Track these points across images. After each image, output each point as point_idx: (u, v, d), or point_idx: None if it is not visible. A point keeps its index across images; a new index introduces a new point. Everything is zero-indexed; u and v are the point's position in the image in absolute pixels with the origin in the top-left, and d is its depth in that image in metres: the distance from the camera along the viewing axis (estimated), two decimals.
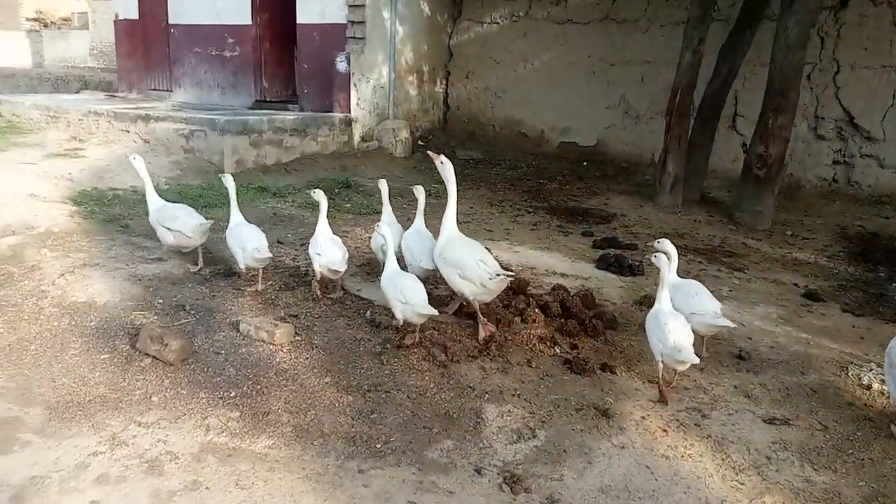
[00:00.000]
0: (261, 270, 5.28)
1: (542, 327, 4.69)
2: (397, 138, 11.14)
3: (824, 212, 9.05)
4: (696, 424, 3.75)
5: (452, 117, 12.91)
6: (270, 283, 5.37)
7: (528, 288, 5.26)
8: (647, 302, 5.30)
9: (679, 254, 6.83)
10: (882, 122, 9.32)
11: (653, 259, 4.31)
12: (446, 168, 4.83)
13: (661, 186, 8.89)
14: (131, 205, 7.42)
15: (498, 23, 12.09)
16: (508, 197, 9.24)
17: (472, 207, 8.52)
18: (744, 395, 4.11)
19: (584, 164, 11.29)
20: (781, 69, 7.56)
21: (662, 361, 3.91)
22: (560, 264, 6.23)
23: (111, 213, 6.99)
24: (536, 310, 4.78)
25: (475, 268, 4.42)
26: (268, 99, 12.31)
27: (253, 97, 12.26)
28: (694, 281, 4.74)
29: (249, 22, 11.96)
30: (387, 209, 5.57)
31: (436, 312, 4.29)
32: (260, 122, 9.35)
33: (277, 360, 4.18)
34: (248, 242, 5.10)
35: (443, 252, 4.69)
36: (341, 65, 10.68)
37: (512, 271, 5.13)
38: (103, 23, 22.91)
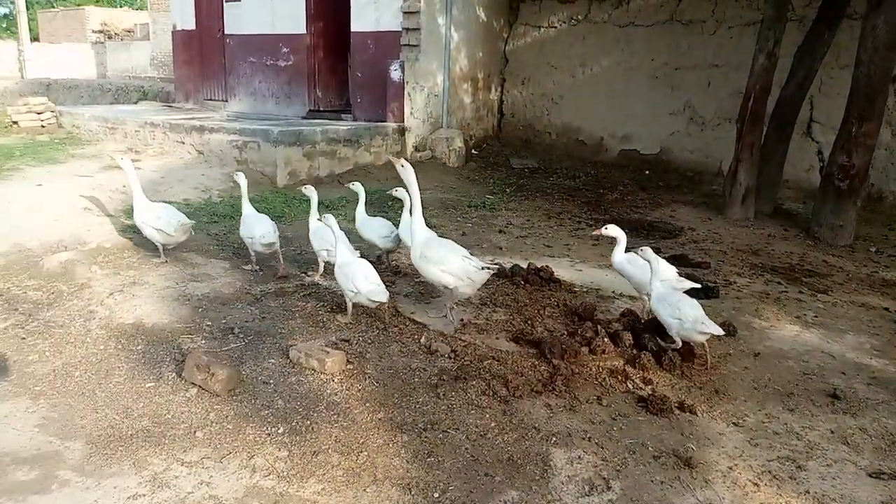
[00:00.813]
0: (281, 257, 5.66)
1: (613, 359, 4.32)
2: (451, 148, 10.87)
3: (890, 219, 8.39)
4: (790, 477, 3.32)
5: (507, 125, 12.58)
6: (321, 304, 5.15)
7: (595, 313, 4.89)
8: (728, 331, 4.87)
9: (755, 273, 6.47)
10: None
11: (639, 253, 4.62)
12: (407, 172, 4.94)
13: (732, 198, 8.37)
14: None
15: (556, 27, 11.72)
16: (567, 209, 8.85)
17: (528, 220, 8.18)
18: (842, 441, 3.66)
19: (647, 172, 10.80)
20: (868, 72, 6.99)
21: (680, 336, 4.23)
22: (626, 284, 5.81)
23: None
24: (606, 339, 4.41)
25: (461, 262, 4.55)
26: (321, 108, 12.21)
27: (306, 107, 12.18)
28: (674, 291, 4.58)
29: (303, 31, 11.88)
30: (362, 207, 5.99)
31: (386, 297, 4.59)
32: (313, 132, 9.21)
33: (328, 391, 3.92)
34: (255, 230, 5.60)
35: (423, 253, 4.71)
36: (395, 73, 10.48)
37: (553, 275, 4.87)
38: (164, 33, 23.40)
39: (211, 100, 13.76)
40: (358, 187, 6.08)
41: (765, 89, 7.99)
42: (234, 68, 13.12)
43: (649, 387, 4.12)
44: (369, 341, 4.57)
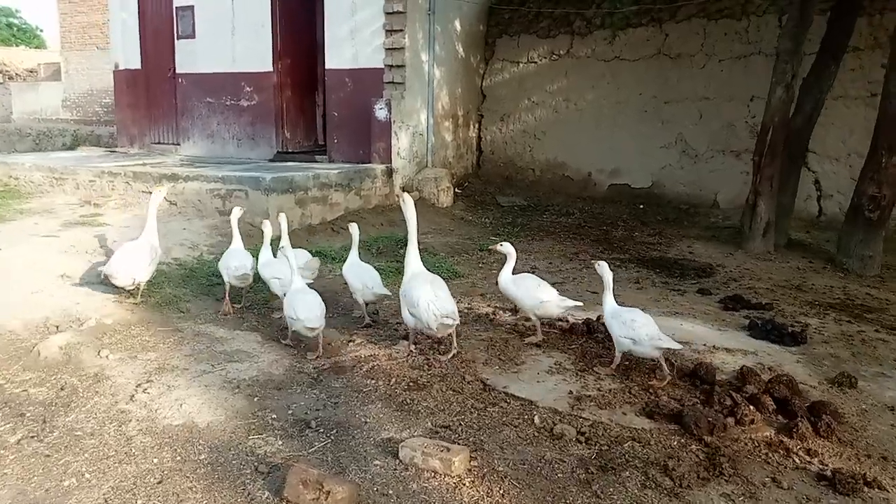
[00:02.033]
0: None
1: (762, 429, 3.79)
2: (439, 187, 10.28)
3: None
4: None
5: (486, 162, 12.13)
6: (393, 380, 4.40)
7: (716, 374, 4.37)
8: (847, 382, 4.45)
9: (816, 312, 6.12)
10: None
11: (596, 267, 4.77)
12: (407, 206, 4.90)
13: (752, 231, 8.14)
14: (180, 281, 6.39)
15: (536, 62, 11.42)
16: (582, 248, 8.39)
17: (550, 263, 7.66)
18: None
19: (641, 206, 10.54)
20: None
21: (632, 353, 4.38)
22: (710, 335, 5.35)
23: (164, 294, 5.95)
24: (750, 406, 3.88)
25: (425, 309, 4.50)
26: (290, 150, 11.39)
27: (274, 149, 11.33)
28: (629, 307, 4.66)
29: (270, 68, 11.09)
30: (355, 251, 5.67)
31: (320, 324, 4.64)
32: (305, 178, 8.41)
33: (466, 499, 3.19)
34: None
35: (405, 288, 4.76)
36: (381, 112, 9.84)
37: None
38: (77, 74, 21.93)
39: (160, 143, 12.65)
40: (353, 228, 5.77)
41: (784, 122, 7.85)
42: (187, 109, 12.11)
43: (816, 459, 3.60)
44: (474, 426, 3.87)
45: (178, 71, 12.07)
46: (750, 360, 4.84)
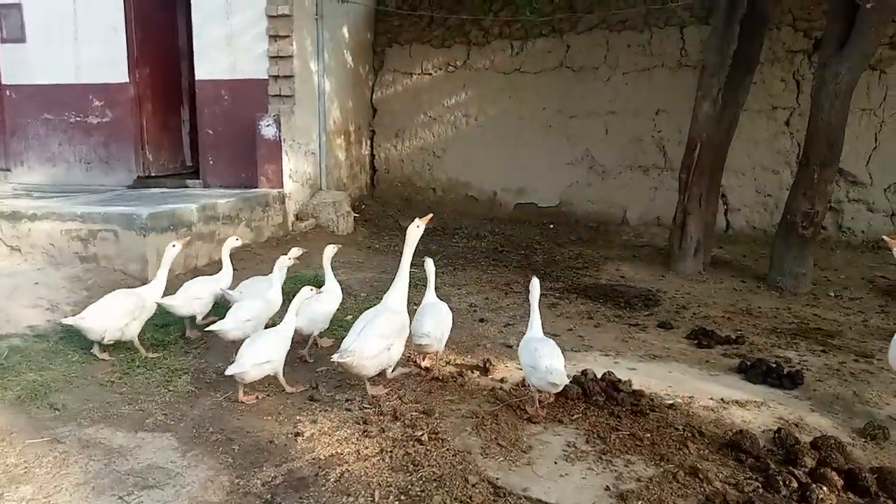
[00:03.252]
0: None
1: None
2: (338, 213, 9.18)
3: (833, 263, 8.51)
4: None
5: (382, 181, 11.15)
6: (376, 491, 3.36)
7: (762, 444, 3.73)
8: (881, 434, 4.00)
9: (783, 342, 5.74)
10: (867, 166, 9.06)
11: (531, 286, 4.48)
12: (418, 233, 4.69)
13: (682, 252, 7.84)
14: (44, 360, 4.88)
15: (430, 74, 10.62)
16: (511, 278, 7.67)
17: (486, 298, 6.86)
18: None
19: (551, 226, 10.05)
20: (828, 118, 6.81)
21: (534, 385, 4.09)
22: (706, 383, 4.76)
23: (24, 383, 4.44)
24: (823, 488, 3.27)
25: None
26: (153, 174, 9.76)
27: (133, 172, 9.65)
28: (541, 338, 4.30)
29: (125, 79, 9.41)
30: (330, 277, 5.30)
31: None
32: (189, 211, 7.01)
33: None
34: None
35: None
36: (268, 129, 8.57)
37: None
38: None
39: None
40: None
41: (711, 138, 7.59)
42: (19, 128, 10.06)
43: None
44: None
45: (3, 82, 10.00)
46: (766, 414, 4.29)
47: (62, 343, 5.20)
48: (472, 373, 4.80)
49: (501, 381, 4.68)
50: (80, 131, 9.79)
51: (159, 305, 5.18)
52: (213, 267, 7.24)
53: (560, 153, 10.14)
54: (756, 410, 4.34)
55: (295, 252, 5.55)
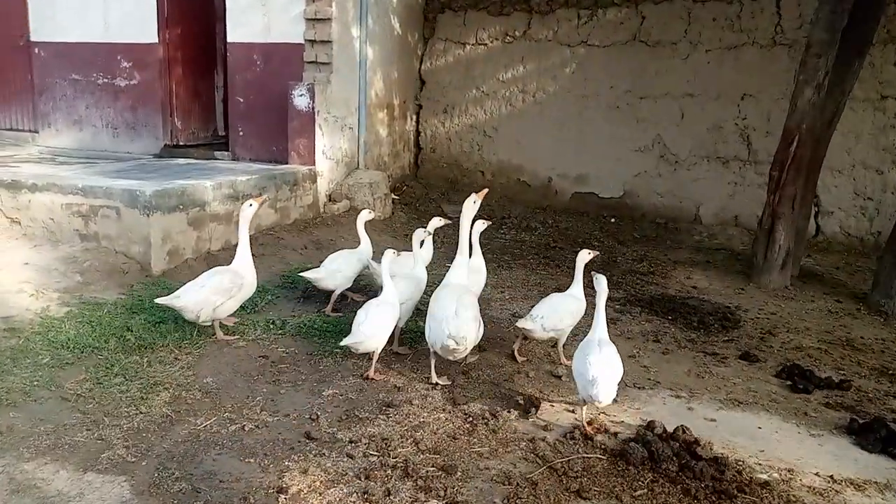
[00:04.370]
0: None
1: None
2: (375, 195, 8.31)
3: None
4: None
5: (427, 161, 10.22)
6: None
7: None
8: None
9: (887, 386, 4.62)
10: None
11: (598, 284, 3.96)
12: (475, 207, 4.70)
13: (768, 262, 6.70)
14: (6, 360, 4.18)
15: (486, 44, 9.57)
16: (559, 279, 6.67)
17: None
18: None
19: (612, 220, 8.97)
20: None
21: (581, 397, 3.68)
22: (805, 449, 3.71)
23: None
24: None
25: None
26: (181, 143, 9.06)
27: (161, 141, 8.97)
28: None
29: (155, 39, 8.69)
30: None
31: None
32: (203, 189, 6.23)
33: None
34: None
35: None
36: (301, 99, 7.72)
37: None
38: None
39: (12, 129, 9.98)
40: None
41: (812, 130, 6.39)
42: (47, 88, 9.49)
43: None
44: None
45: (32, 38, 9.42)
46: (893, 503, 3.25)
47: (36, 339, 4.49)
48: (509, 413, 3.88)
49: (545, 427, 3.75)
50: (108, 94, 9.15)
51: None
52: (230, 252, 6.45)
53: (627, 138, 9.01)
54: (879, 497, 3.30)
55: (436, 222, 5.40)
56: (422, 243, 5.17)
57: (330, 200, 8.11)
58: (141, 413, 3.73)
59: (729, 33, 8.38)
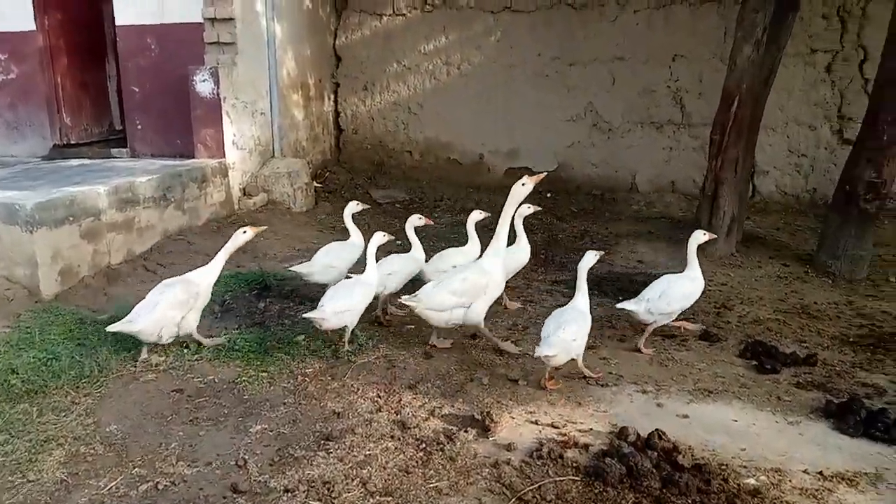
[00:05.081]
0: None
1: None
2: (295, 186, 7.68)
3: (882, 237, 7.19)
4: None
5: (349, 144, 9.60)
6: None
7: None
8: None
9: (864, 360, 4.32)
10: None
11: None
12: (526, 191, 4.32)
13: (714, 230, 6.35)
14: None
15: (404, 14, 8.97)
16: None
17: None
18: None
19: (548, 195, 8.61)
20: None
21: None
22: (786, 441, 3.43)
23: None
24: None
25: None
26: (73, 142, 8.13)
27: (49, 141, 8.02)
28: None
29: (32, 27, 7.69)
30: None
31: None
32: (96, 196, 5.48)
33: None
34: None
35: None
36: (204, 85, 6.97)
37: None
38: None
39: None
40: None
41: (753, 90, 6.14)
42: None
43: None
44: None
45: None
46: (889, 497, 2.99)
47: None
48: (467, 433, 3.43)
49: (508, 447, 3.32)
50: None
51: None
52: (133, 264, 5.79)
53: (558, 108, 8.63)
54: (872, 491, 3.03)
55: (476, 215, 5.30)
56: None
57: (245, 195, 7.43)
58: (29, 481, 3.10)
59: None
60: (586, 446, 3.30)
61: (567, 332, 3.80)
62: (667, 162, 8.43)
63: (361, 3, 9.07)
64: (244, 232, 4.50)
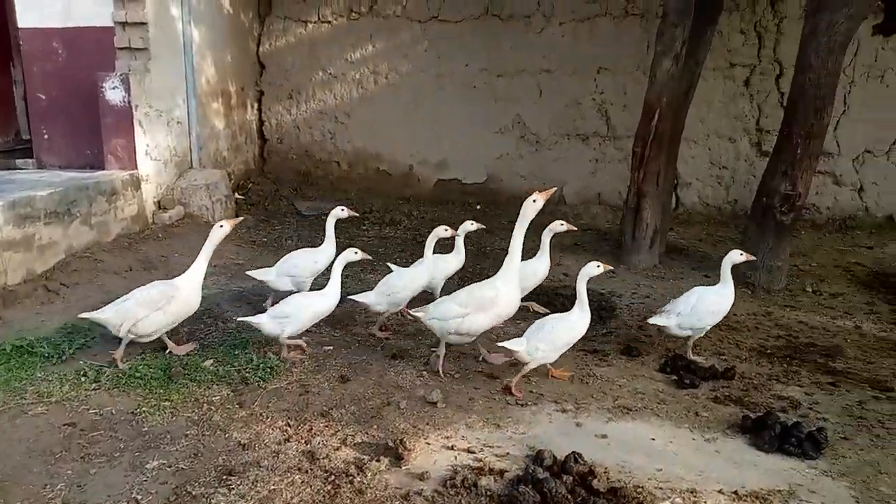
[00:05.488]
0: None
1: None
2: (214, 198, 7.38)
3: (800, 247, 7.42)
4: None
5: (274, 154, 9.33)
6: None
7: None
8: None
9: (781, 372, 4.38)
10: (835, 133, 7.95)
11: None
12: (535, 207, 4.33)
13: (637, 242, 6.53)
14: None
15: (330, 22, 8.79)
16: None
17: (401, 317, 5.33)
18: None
19: (478, 207, 8.56)
20: (818, 79, 5.53)
21: None
22: (703, 458, 3.41)
23: None
24: None
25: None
26: None
27: None
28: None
29: None
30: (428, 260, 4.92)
31: None
32: None
33: None
34: None
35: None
36: (114, 92, 6.62)
37: None
38: None
39: None
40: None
41: (673, 103, 6.21)
42: None
43: None
44: None
45: None
46: None
47: None
48: (378, 462, 3.27)
49: (422, 476, 3.18)
50: None
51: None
52: (31, 285, 5.40)
53: (487, 119, 8.60)
54: None
55: (468, 226, 5.35)
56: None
57: (160, 208, 7.09)
58: None
59: (582, 4, 8.14)
60: (502, 472, 3.19)
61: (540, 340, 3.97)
62: (593, 174, 8.50)
63: (286, 10, 8.84)
64: (221, 226, 4.44)
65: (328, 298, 4.36)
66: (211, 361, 4.30)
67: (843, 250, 7.33)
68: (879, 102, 7.86)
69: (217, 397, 3.92)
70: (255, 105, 9.15)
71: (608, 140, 8.34)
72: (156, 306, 4.19)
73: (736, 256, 4.61)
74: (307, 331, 4.55)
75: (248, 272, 5.04)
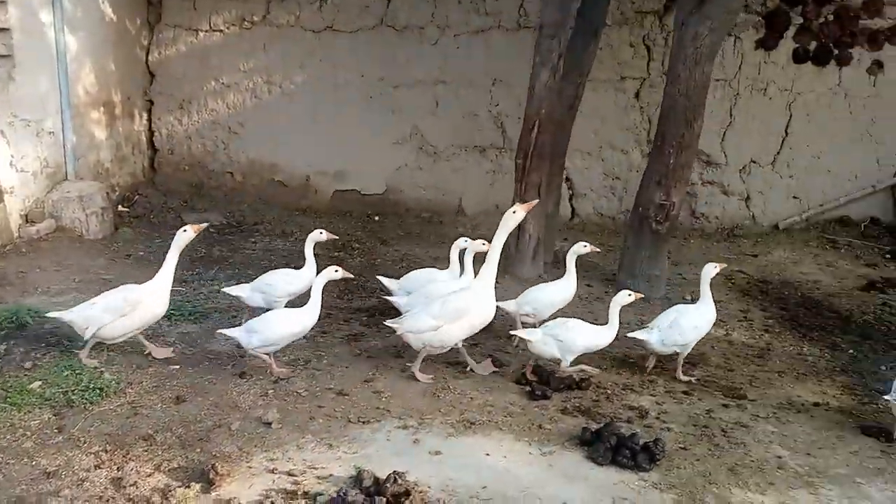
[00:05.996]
0: None
1: None
2: (88, 210, 7.03)
3: (687, 256, 7.53)
4: None
5: (165, 165, 8.98)
6: None
7: None
8: None
9: (636, 381, 4.39)
10: (722, 144, 8.12)
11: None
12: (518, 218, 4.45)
13: (520, 253, 6.48)
14: None
15: (222, 30, 8.53)
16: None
17: None
18: None
19: (377, 218, 8.42)
20: (687, 91, 5.60)
21: None
22: (533, 473, 3.33)
23: None
24: None
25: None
26: None
27: None
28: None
29: None
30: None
31: None
32: None
33: None
34: None
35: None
36: None
37: None
38: None
39: None
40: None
41: (552, 115, 6.20)
42: None
43: None
44: None
45: None
46: None
47: None
48: (188, 489, 3.07)
49: (229, 503, 2.99)
50: None
51: None
52: None
53: (385, 130, 8.48)
54: None
55: (464, 242, 5.28)
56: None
57: (27, 222, 6.71)
58: None
59: (475, 17, 8.13)
60: (315, 496, 3.03)
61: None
62: (491, 185, 8.47)
63: (176, 18, 8.55)
64: (185, 231, 4.45)
65: (308, 315, 4.30)
66: (39, 383, 4.02)
67: (728, 258, 7.45)
68: (763, 114, 8.09)
69: (36, 422, 3.66)
70: (145, 115, 8.80)
71: (504, 152, 8.33)
72: (120, 313, 4.23)
73: (711, 270, 4.72)
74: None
75: (224, 289, 5.10)
